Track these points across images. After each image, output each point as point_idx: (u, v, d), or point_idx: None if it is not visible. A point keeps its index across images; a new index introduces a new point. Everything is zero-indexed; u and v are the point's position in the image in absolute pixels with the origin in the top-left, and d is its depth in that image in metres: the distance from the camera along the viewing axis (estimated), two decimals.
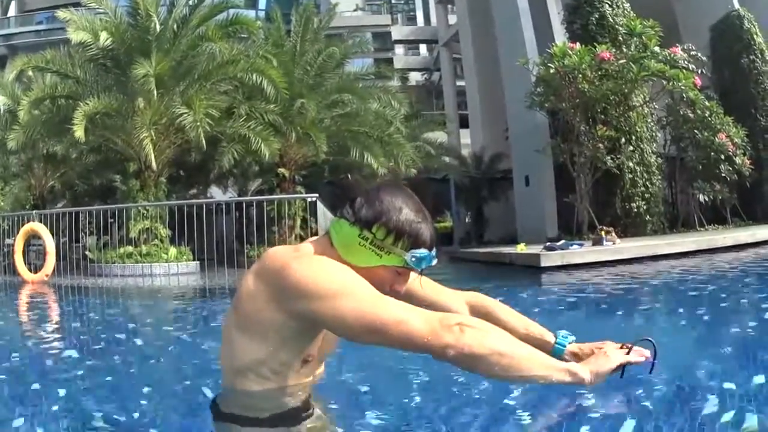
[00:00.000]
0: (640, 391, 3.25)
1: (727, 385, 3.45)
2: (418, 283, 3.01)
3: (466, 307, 3.18)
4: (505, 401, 3.30)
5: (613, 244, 17.56)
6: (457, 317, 2.47)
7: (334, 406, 2.87)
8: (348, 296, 2.39)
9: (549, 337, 3.05)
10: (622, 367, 2.75)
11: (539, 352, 2.50)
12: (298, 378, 2.67)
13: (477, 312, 3.12)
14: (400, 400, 3.38)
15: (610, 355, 2.71)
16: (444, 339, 2.33)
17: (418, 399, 3.48)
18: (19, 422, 3.45)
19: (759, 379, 3.57)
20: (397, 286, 2.67)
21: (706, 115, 23.78)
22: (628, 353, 2.75)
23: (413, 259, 2.59)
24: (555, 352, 2.97)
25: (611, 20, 24.41)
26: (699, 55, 22.94)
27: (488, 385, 3.41)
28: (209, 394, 3.56)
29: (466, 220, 40.11)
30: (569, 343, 3.02)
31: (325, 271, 2.47)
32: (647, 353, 2.82)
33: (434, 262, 2.68)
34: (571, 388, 2.80)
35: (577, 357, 2.93)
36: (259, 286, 2.55)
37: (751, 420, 2.81)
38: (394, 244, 2.58)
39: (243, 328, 2.59)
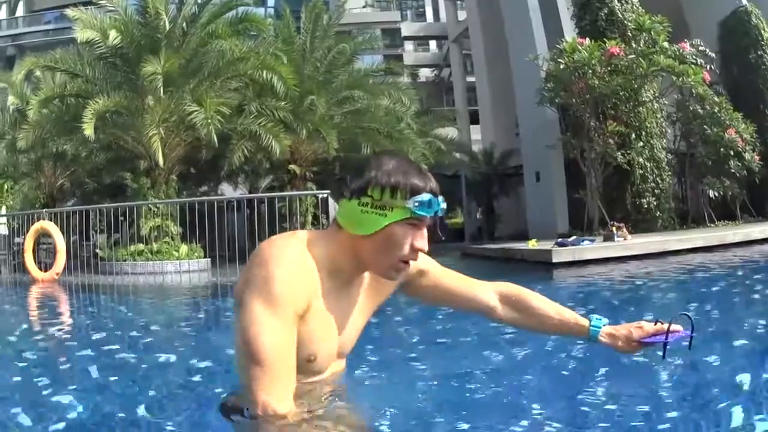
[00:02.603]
0: (653, 386, 3.25)
1: (739, 378, 3.45)
2: (449, 278, 3.06)
3: (495, 295, 3.13)
4: (518, 400, 3.31)
5: (624, 240, 17.55)
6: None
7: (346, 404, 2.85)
8: (249, 313, 2.41)
9: (583, 321, 3.01)
10: (664, 347, 2.73)
11: None
12: (308, 375, 2.65)
13: (508, 300, 3.12)
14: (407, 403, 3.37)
15: (644, 325, 2.79)
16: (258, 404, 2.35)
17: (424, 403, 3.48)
18: (30, 420, 3.47)
19: None
20: (416, 242, 2.59)
21: (716, 110, 23.78)
22: (667, 333, 2.71)
23: (417, 205, 2.53)
24: (591, 334, 2.96)
25: (620, 16, 24.42)
26: (707, 50, 22.89)
27: (500, 381, 3.41)
28: (218, 391, 3.57)
29: (477, 216, 40.13)
30: (603, 326, 2.97)
31: (265, 280, 2.44)
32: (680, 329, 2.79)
33: (443, 206, 2.63)
34: None
35: (614, 338, 2.91)
36: (243, 274, 2.56)
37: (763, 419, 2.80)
38: (392, 197, 2.53)
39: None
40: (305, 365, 2.59)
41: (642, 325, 2.84)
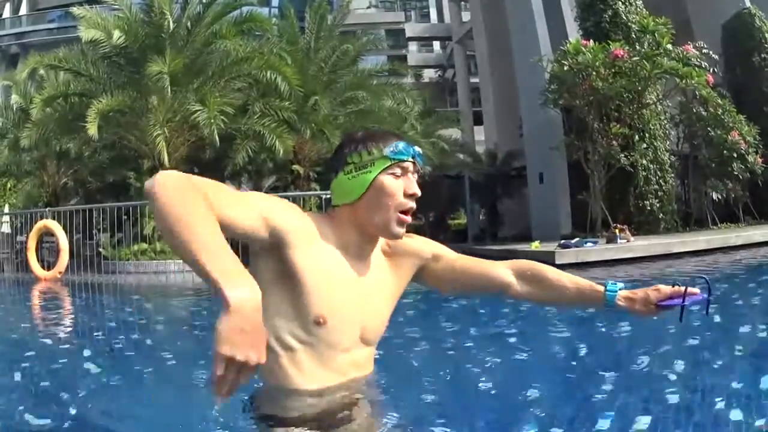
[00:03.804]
0: (655, 386, 3.26)
1: (739, 383, 3.45)
2: (463, 260, 3.12)
3: (511, 272, 3.14)
4: (520, 397, 3.32)
5: (627, 242, 17.56)
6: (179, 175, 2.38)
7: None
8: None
9: (599, 287, 2.98)
10: (681, 310, 2.72)
11: (229, 252, 2.09)
12: (321, 351, 2.63)
13: (523, 275, 3.12)
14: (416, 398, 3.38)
15: (662, 288, 2.76)
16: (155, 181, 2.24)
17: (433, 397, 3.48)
18: (32, 419, 3.48)
19: None
20: (407, 188, 2.71)
21: (719, 113, 23.74)
22: (684, 296, 2.69)
23: (392, 151, 2.69)
24: (608, 298, 2.93)
25: (624, 18, 24.38)
26: (711, 53, 22.87)
27: (504, 380, 3.42)
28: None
29: (480, 216, 40.06)
30: (620, 290, 2.94)
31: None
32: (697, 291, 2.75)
33: (418, 151, 2.78)
34: None
35: (631, 301, 2.87)
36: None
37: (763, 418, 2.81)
38: (370, 154, 2.69)
39: None
40: (314, 329, 2.60)
41: (659, 287, 2.81)
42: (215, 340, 1.89)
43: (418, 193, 2.72)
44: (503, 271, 3.14)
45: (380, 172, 2.66)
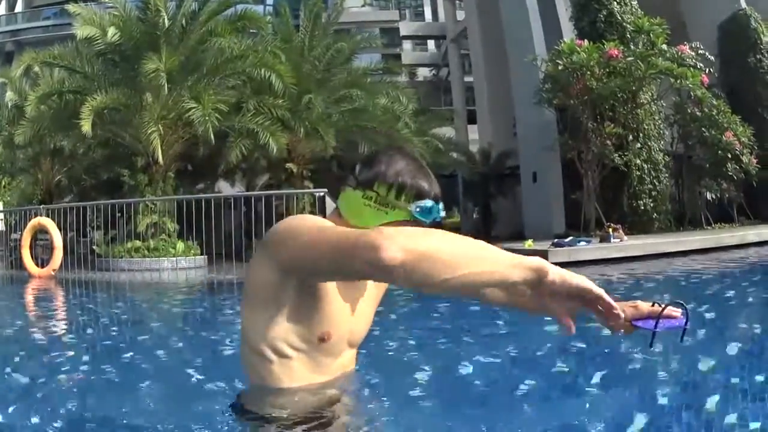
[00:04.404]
0: (650, 386, 3.27)
1: (733, 381, 3.46)
2: None
3: None
4: (514, 393, 3.32)
5: (621, 241, 17.57)
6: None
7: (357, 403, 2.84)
8: (311, 231, 2.35)
9: None
10: (653, 336, 2.64)
11: (498, 249, 2.14)
12: (319, 361, 2.64)
13: None
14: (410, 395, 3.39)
15: (640, 306, 2.56)
16: (383, 243, 2.02)
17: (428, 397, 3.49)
18: (24, 418, 3.48)
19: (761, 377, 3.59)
20: None
21: (714, 113, 23.78)
22: (659, 315, 2.58)
23: (418, 210, 2.57)
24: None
25: (619, 18, 24.44)
26: (707, 53, 22.89)
27: (496, 378, 3.42)
28: (215, 388, 3.58)
29: (474, 215, 40.10)
30: None
31: (302, 218, 2.49)
32: (678, 314, 2.62)
33: (442, 213, 2.66)
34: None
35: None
36: (260, 253, 2.58)
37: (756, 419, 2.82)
38: (397, 198, 2.58)
39: (251, 302, 2.58)
40: (318, 345, 2.60)
41: (638, 304, 2.63)
42: (590, 289, 2.16)
43: None
44: None
45: (394, 222, 2.57)
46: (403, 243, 1.99)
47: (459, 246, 2.08)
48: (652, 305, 2.56)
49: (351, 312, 2.72)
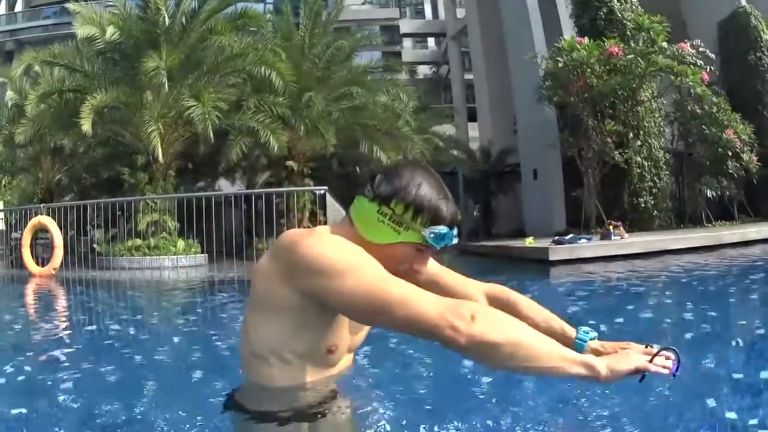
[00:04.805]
0: (647, 382, 3.27)
1: (735, 376, 3.46)
2: (442, 272, 3.00)
3: (484, 297, 3.04)
4: (514, 397, 3.32)
5: (621, 238, 17.57)
6: (470, 304, 2.34)
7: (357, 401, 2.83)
8: (354, 274, 2.32)
9: (570, 331, 2.90)
10: (643, 373, 2.61)
11: (554, 342, 2.30)
12: (321, 367, 2.63)
13: (496, 302, 2.98)
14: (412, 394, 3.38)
15: (632, 357, 2.43)
16: (454, 324, 2.18)
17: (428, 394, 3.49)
18: (25, 416, 3.48)
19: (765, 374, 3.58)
20: (416, 265, 2.61)
21: (714, 111, 23.80)
22: (652, 359, 2.56)
23: (432, 236, 2.52)
24: (575, 347, 2.81)
25: (619, 15, 24.44)
26: (707, 51, 22.87)
27: (495, 383, 3.42)
28: (215, 386, 3.57)
29: (474, 213, 40.06)
30: (590, 340, 2.86)
31: (335, 248, 2.41)
32: (670, 363, 2.61)
33: (455, 240, 2.60)
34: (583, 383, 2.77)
35: (599, 354, 2.66)
36: (273, 264, 2.51)
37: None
38: (413, 219, 2.51)
39: (259, 309, 2.55)
40: (325, 357, 2.60)
41: (630, 345, 2.70)
42: (639, 369, 2.35)
43: (423, 273, 2.68)
44: (478, 294, 3.06)
45: (406, 242, 2.55)
46: (477, 331, 2.18)
47: (524, 339, 2.26)
48: (646, 347, 2.59)
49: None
